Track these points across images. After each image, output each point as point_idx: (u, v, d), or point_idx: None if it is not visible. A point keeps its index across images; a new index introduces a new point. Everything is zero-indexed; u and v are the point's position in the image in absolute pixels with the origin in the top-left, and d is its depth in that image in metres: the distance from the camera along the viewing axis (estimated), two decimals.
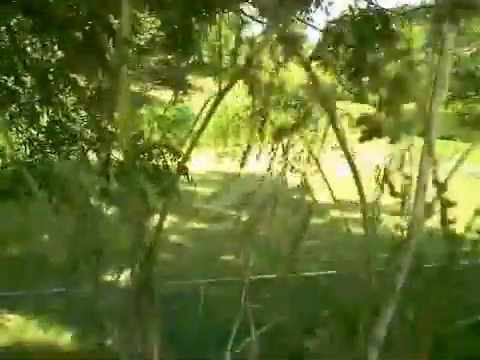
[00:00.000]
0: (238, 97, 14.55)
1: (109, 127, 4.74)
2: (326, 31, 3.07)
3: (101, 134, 4.54)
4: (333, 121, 2.18)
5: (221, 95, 2.72)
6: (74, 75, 4.74)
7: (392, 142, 2.20)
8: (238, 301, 2.92)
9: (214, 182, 11.80)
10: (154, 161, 4.75)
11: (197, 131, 2.95)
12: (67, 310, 5.60)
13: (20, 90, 5.02)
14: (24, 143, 4.95)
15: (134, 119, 5.26)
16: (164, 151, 4.69)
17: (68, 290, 6.29)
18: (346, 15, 3.48)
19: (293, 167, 3.75)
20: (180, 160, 3.72)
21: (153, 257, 2.01)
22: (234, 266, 7.08)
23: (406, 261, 2.04)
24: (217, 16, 4.38)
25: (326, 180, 2.99)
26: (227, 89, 2.72)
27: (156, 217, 3.38)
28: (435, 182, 2.10)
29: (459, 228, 2.35)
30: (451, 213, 2.28)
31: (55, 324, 5.26)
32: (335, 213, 8.88)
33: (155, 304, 1.78)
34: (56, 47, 4.87)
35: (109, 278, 6.72)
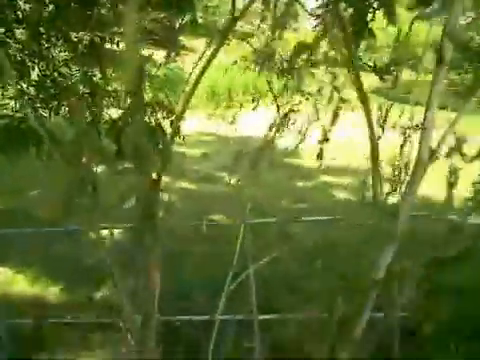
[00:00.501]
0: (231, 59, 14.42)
1: (101, 82, 4.70)
2: None
3: (93, 89, 4.50)
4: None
5: (213, 55, 2.69)
6: (66, 29, 4.67)
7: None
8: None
9: (205, 143, 11.77)
10: (147, 119, 4.72)
11: (189, 91, 2.94)
12: (54, 263, 5.66)
13: (11, 42, 4.94)
14: (14, 97, 4.89)
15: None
16: (157, 109, 4.67)
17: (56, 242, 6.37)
18: None
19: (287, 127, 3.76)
20: (173, 119, 3.71)
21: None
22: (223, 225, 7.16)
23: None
24: None
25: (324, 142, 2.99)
26: (218, 49, 2.69)
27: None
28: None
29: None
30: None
31: (43, 277, 5.31)
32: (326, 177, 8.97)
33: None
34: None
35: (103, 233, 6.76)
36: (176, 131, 4.39)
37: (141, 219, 0.88)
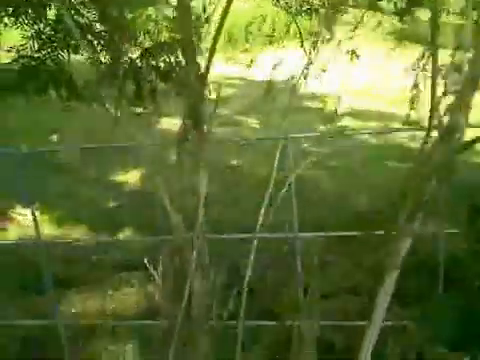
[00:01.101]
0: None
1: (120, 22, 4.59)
2: None
3: (112, 28, 4.39)
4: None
5: None
6: None
7: None
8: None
9: (225, 87, 11.60)
10: (166, 58, 4.62)
11: (215, 33, 2.82)
12: (78, 207, 5.71)
13: None
14: (32, 36, 4.79)
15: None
16: (176, 48, 4.55)
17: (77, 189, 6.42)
18: None
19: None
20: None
21: None
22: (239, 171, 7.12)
23: None
24: None
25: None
26: None
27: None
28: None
29: None
30: None
31: (69, 220, 5.37)
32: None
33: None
34: None
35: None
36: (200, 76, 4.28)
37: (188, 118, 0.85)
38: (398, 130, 8.73)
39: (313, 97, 9.18)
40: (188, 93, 0.92)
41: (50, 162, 7.39)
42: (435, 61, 0.95)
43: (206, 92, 0.98)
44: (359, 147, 7.53)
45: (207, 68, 1.01)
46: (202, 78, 0.96)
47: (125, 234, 5.12)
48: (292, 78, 3.49)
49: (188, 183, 0.91)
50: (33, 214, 3.10)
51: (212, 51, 1.13)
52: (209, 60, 1.02)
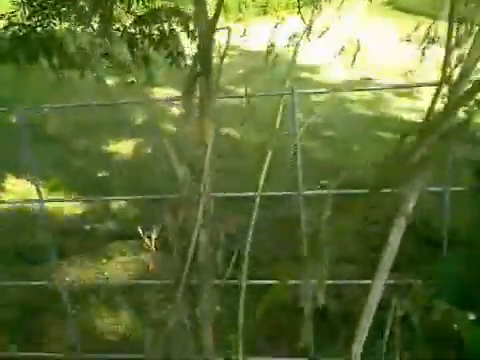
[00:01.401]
0: None
1: None
2: None
3: None
4: None
5: None
6: None
7: None
8: None
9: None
10: (160, 26, 4.54)
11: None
12: (69, 177, 5.67)
13: None
14: (22, 3, 4.69)
15: None
16: (170, 15, 4.47)
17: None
18: None
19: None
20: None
21: None
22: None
23: None
24: None
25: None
26: None
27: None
28: None
29: None
30: None
31: (60, 189, 5.33)
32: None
33: None
34: None
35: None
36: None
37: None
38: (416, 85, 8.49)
39: (309, 68, 9.11)
40: (198, 39, 0.90)
41: (41, 132, 7.33)
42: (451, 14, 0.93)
43: (214, 40, 0.96)
44: (355, 119, 7.52)
45: (216, 16, 0.98)
46: (211, 24, 0.94)
47: (118, 203, 5.10)
48: (288, 46, 3.44)
49: (194, 135, 0.89)
50: (36, 185, 3.06)
51: (220, 2, 1.10)
52: (217, 10, 1.00)
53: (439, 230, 2.33)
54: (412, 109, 7.26)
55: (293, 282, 1.17)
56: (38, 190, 2.81)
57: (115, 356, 2.89)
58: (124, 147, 6.82)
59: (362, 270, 3.21)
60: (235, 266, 1.22)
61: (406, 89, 7.94)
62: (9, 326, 3.39)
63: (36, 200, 2.96)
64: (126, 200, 4.97)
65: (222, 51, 1.01)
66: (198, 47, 0.92)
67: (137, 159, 6.36)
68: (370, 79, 8.83)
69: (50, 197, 5.23)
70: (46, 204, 5.02)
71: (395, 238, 0.93)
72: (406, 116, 7.18)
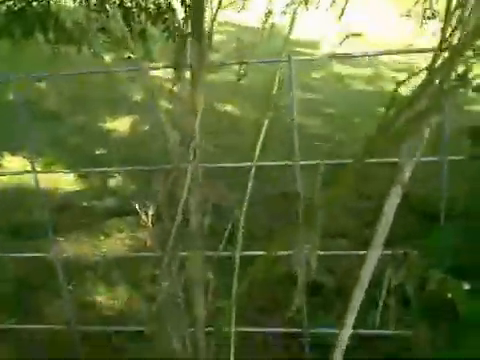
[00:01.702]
0: None
1: None
2: None
3: None
4: None
5: None
6: None
7: None
8: None
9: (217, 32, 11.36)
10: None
11: None
12: (66, 154, 5.65)
13: None
14: None
15: None
16: None
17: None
18: None
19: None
20: None
21: None
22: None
23: None
24: None
25: None
26: None
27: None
28: None
29: None
30: None
31: (57, 167, 5.30)
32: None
33: None
34: None
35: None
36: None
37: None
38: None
39: (307, 44, 9.02)
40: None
41: (37, 110, 7.29)
42: None
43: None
44: (355, 94, 7.48)
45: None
46: None
47: (115, 180, 5.08)
48: (284, 13, 3.39)
49: (185, 103, 0.87)
50: (32, 162, 3.04)
51: None
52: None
53: (435, 203, 2.32)
54: (411, 84, 7.21)
55: (285, 253, 1.17)
56: (33, 167, 2.79)
57: (112, 328, 2.91)
58: (121, 124, 6.78)
59: (356, 245, 3.22)
60: (228, 239, 1.21)
61: (405, 65, 7.86)
62: (8, 301, 3.40)
63: (27, 171, 2.94)
64: (119, 172, 4.93)
65: (214, 13, 0.99)
66: (189, 7, 0.90)
67: (134, 136, 6.33)
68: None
69: (47, 175, 5.22)
70: (42, 182, 5.03)
71: (390, 208, 0.92)
72: (405, 91, 7.14)
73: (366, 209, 4.10)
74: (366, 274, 0.91)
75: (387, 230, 0.93)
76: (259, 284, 3.01)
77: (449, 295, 1.05)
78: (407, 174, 0.93)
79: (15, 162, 5.48)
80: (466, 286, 1.06)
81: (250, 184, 1.07)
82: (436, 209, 2.29)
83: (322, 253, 1.25)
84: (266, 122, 1.18)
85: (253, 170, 1.09)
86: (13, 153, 5.67)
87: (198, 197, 0.88)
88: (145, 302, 3.13)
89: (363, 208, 4.09)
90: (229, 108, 7.39)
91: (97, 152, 5.82)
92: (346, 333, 0.95)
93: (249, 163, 1.09)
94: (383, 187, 0.97)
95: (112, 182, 5.06)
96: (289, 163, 1.08)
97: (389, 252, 1.14)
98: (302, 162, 1.10)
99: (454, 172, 2.26)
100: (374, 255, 0.92)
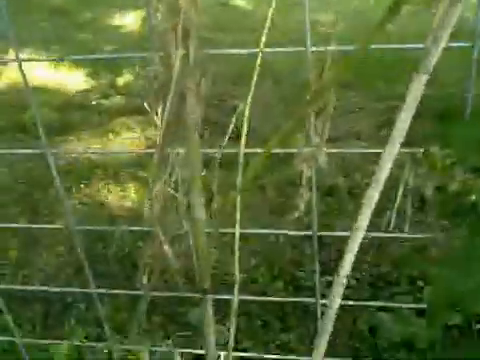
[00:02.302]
0: None
1: None
2: None
3: None
4: None
5: None
6: None
7: None
8: None
9: None
10: None
11: None
12: (75, 52, 5.46)
13: None
14: None
15: None
16: None
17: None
18: None
19: None
20: None
21: None
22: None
23: None
24: None
25: None
26: None
27: None
28: None
29: None
30: None
31: (65, 64, 5.14)
32: None
33: None
34: None
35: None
36: None
37: None
38: None
39: None
40: None
41: (44, 5, 7.02)
42: None
43: None
44: None
45: None
46: None
47: (124, 78, 4.94)
48: None
49: None
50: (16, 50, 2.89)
51: None
52: None
53: (460, 101, 2.17)
54: None
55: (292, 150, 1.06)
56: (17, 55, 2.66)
57: (121, 228, 2.89)
58: (130, 20, 6.53)
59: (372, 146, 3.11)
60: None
61: None
62: (18, 200, 3.39)
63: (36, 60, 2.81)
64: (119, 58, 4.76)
65: None
66: None
67: (143, 32, 6.09)
68: None
69: (56, 72, 5.08)
70: (49, 79, 4.90)
71: (413, 96, 0.79)
72: None
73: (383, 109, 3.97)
74: (382, 173, 0.80)
75: (408, 123, 0.81)
76: (272, 186, 2.95)
77: (473, 197, 0.97)
78: (434, 59, 0.80)
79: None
80: None
81: (255, 74, 0.94)
82: (460, 107, 2.14)
83: (335, 151, 1.15)
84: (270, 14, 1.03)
85: (260, 55, 0.97)
86: (20, 49, 5.51)
87: (192, 85, 0.76)
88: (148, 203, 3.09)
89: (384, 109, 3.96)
90: (241, 3, 7.05)
91: (106, 49, 5.63)
92: (358, 236, 0.85)
93: (256, 49, 0.97)
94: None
95: (121, 81, 4.91)
96: (300, 49, 0.96)
97: (408, 151, 1.03)
98: (313, 49, 0.98)
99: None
100: (392, 152, 0.81)
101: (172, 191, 0.89)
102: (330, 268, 2.31)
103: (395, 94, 3.80)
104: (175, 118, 0.77)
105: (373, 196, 0.86)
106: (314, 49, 1.00)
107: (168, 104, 0.74)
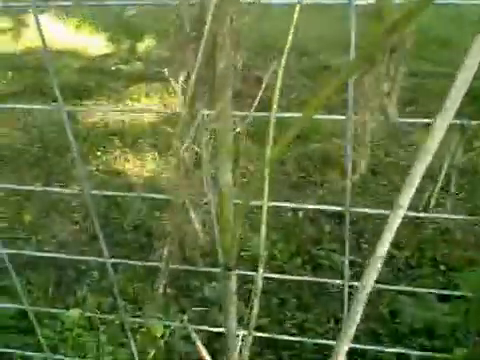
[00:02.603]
0: None
1: None
2: None
3: None
4: None
5: None
6: None
7: None
8: None
9: None
10: None
11: None
12: (95, 14, 5.36)
13: None
14: None
15: None
16: None
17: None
18: None
19: None
20: None
21: None
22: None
23: None
24: None
25: None
26: None
27: None
28: None
29: None
30: None
31: (85, 27, 5.05)
32: None
33: None
34: None
35: None
36: None
37: None
38: None
39: None
40: None
41: None
42: None
43: None
44: None
45: None
46: None
47: (144, 44, 4.84)
48: None
49: None
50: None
51: None
52: None
53: None
54: None
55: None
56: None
57: (138, 195, 2.82)
58: None
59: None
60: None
61: None
62: (33, 164, 3.34)
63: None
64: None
65: None
66: None
67: None
68: None
69: (76, 35, 4.99)
70: (69, 44, 4.82)
71: (473, 58, 0.69)
72: None
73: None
74: (434, 142, 0.71)
75: (464, 90, 0.71)
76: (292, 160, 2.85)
77: None
78: None
79: (42, 21, 5.23)
80: None
81: (291, 35, 0.85)
82: None
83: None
84: None
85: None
86: (41, 11, 5.41)
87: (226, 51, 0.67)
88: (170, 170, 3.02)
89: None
90: None
91: (127, 14, 5.51)
92: (399, 214, 0.76)
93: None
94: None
95: (141, 47, 4.81)
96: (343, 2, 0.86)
97: (458, 122, 0.94)
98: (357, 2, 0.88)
99: None
100: (441, 125, 0.72)
101: (198, 153, 0.81)
102: (350, 247, 2.23)
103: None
104: (206, 69, 0.68)
105: (419, 171, 0.76)
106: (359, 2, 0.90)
107: (199, 53, 0.65)
